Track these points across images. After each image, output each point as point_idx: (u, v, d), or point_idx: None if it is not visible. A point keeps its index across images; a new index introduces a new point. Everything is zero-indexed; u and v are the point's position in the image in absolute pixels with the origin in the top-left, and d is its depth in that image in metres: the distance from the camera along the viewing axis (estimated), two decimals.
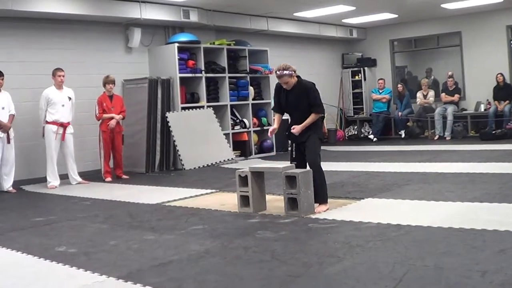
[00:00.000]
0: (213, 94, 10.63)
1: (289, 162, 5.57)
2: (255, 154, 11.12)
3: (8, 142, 7.80)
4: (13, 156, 7.89)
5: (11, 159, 7.86)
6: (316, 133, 5.43)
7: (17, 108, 8.37)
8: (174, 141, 9.61)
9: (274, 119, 5.77)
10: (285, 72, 5.32)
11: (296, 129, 5.38)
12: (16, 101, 8.36)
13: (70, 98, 8.31)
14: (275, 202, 5.79)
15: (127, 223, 5.39)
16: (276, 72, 5.40)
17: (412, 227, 4.47)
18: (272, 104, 5.94)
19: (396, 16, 12.90)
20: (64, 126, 8.21)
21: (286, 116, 5.76)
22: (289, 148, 5.70)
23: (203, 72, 10.27)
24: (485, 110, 12.44)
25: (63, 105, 8.19)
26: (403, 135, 13.14)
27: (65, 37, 9.20)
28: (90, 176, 8.88)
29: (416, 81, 14.36)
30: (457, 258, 3.57)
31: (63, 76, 8.22)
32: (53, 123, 8.14)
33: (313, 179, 5.26)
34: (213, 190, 7.08)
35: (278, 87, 5.56)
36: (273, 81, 11.14)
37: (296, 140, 5.51)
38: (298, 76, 5.45)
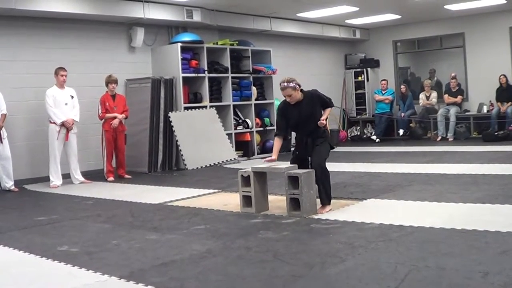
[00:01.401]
0: (216, 94, 10.64)
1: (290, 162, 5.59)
2: (258, 154, 11.11)
3: (1, 141, 7.69)
4: (8, 155, 7.79)
5: (6, 158, 7.78)
6: (328, 141, 5.56)
7: (19, 107, 8.41)
8: (177, 141, 9.61)
9: (274, 146, 5.55)
10: (289, 84, 5.33)
11: (321, 122, 5.40)
12: (18, 100, 8.40)
13: (72, 97, 8.31)
14: (277, 203, 5.78)
15: (129, 223, 5.40)
16: (280, 84, 5.42)
17: (414, 228, 4.46)
18: (275, 126, 5.88)
19: (400, 17, 12.89)
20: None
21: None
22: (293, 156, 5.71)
23: (206, 72, 10.27)
24: (487, 111, 12.42)
25: (66, 104, 8.19)
26: (401, 133, 13.11)
27: (68, 36, 9.21)
28: (93, 175, 8.89)
29: (419, 82, 14.34)
30: (459, 259, 3.57)
31: (66, 75, 8.22)
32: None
33: (318, 179, 5.27)
34: (216, 190, 7.08)
35: (284, 107, 5.54)
36: (276, 81, 11.23)
37: (306, 154, 5.51)
38: (301, 90, 5.47)
